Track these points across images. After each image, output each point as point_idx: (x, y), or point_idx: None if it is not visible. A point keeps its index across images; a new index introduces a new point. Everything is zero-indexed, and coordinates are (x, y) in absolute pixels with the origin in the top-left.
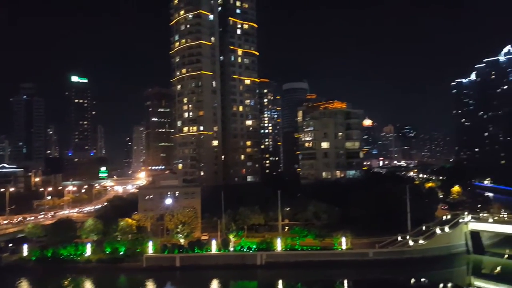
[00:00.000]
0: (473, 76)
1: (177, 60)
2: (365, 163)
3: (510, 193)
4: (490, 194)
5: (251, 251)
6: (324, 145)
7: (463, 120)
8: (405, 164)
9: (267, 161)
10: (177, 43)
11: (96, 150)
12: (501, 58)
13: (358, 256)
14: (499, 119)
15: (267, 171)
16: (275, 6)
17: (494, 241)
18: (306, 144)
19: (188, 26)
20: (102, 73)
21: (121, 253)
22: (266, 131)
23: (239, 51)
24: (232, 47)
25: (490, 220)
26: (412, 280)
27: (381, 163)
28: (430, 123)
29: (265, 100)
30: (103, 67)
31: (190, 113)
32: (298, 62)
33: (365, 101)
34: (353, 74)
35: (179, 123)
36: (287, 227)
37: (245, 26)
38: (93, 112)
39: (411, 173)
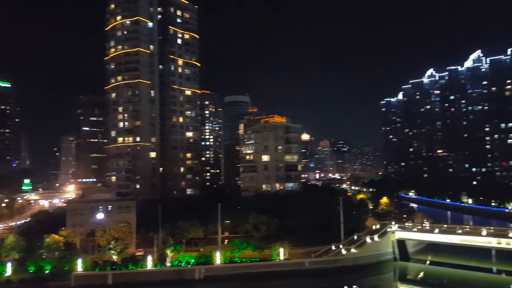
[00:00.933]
0: (400, 96)
1: (113, 67)
2: (303, 175)
3: (431, 204)
4: (414, 205)
5: (189, 266)
6: (265, 158)
7: (391, 136)
8: (339, 177)
9: (208, 174)
10: (113, 49)
11: (19, 161)
12: (425, 80)
13: (295, 266)
14: (422, 136)
15: (208, 183)
16: (219, 20)
17: (417, 249)
18: (247, 157)
19: (125, 32)
20: (29, 79)
21: (47, 272)
22: (207, 143)
23: (180, 61)
24: (172, 56)
25: (414, 229)
26: (345, 287)
27: (317, 176)
28: (362, 139)
29: (207, 112)
30: (31, 72)
31: (126, 123)
32: (240, 75)
33: (303, 116)
34: (293, 89)
35: (113, 133)
36: (226, 240)
37: (186, 36)
38: (17, 120)
39: (345, 185)
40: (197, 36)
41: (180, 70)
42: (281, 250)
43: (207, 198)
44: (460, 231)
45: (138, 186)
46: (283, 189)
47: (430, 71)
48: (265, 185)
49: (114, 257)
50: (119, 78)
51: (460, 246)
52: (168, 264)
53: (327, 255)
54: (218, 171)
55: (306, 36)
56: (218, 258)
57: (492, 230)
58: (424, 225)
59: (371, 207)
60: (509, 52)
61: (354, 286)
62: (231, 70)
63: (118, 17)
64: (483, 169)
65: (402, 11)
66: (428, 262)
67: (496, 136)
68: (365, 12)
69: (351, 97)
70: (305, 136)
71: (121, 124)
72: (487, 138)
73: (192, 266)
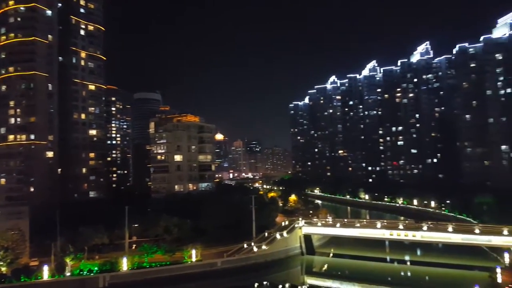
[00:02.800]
0: (307, 100)
1: (4, 56)
2: (217, 175)
3: (334, 200)
4: (319, 201)
5: (92, 274)
6: (177, 158)
7: (298, 137)
8: (252, 176)
9: (114, 175)
10: (4, 37)
11: None
12: (328, 86)
13: (207, 267)
14: (326, 137)
15: (114, 185)
16: (132, 16)
17: (322, 243)
18: (159, 157)
19: (19, 19)
20: None
21: None
22: (114, 142)
23: (83, 54)
24: (74, 48)
25: (319, 224)
26: (256, 284)
27: (231, 176)
28: (274, 139)
29: (113, 109)
30: None
31: (18, 119)
32: (151, 73)
33: (217, 117)
34: (207, 89)
35: (2, 130)
36: (134, 245)
37: (90, 28)
38: None
39: (257, 184)
40: (103, 28)
41: (83, 63)
42: (193, 252)
43: (113, 201)
44: (358, 225)
45: (32, 189)
46: (196, 189)
47: (333, 78)
48: (177, 186)
49: (3, 269)
50: (11, 69)
51: (359, 238)
52: (68, 274)
53: (239, 254)
54: (126, 172)
55: (220, 35)
56: (124, 264)
57: (385, 223)
58: (327, 220)
59: (281, 204)
60: (399, 64)
61: (264, 282)
62: (141, 67)
63: (11, 2)
64: (377, 168)
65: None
66: (331, 254)
67: (388, 138)
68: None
69: (264, 99)
70: (219, 136)
71: (12, 120)
72: (381, 140)
73: (96, 274)
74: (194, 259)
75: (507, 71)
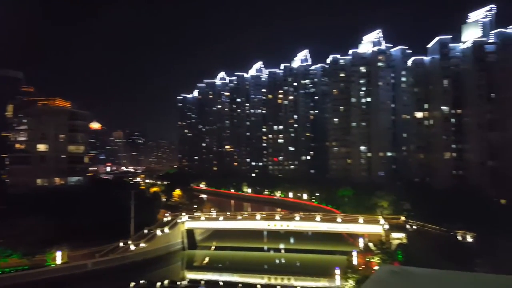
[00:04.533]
0: (195, 93)
1: None
2: (91, 168)
3: (219, 194)
4: (205, 196)
5: None
6: (42, 147)
7: (186, 131)
8: (133, 170)
9: None
10: None
11: None
12: (217, 81)
13: (75, 269)
14: (214, 132)
15: None
16: None
17: (205, 236)
18: (18, 146)
19: None
20: None
21: None
22: None
23: None
24: None
25: (202, 218)
26: (132, 284)
27: (108, 169)
28: (159, 132)
29: None
30: None
31: None
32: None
33: (95, 104)
34: (81, 72)
35: None
36: None
37: None
38: None
39: (139, 179)
40: None
41: None
42: (58, 254)
43: None
44: (240, 217)
45: None
46: (65, 184)
47: (222, 74)
48: (41, 180)
49: None
50: None
51: (241, 230)
52: None
53: (114, 253)
54: None
55: (103, 19)
56: None
57: (264, 215)
58: (211, 214)
59: (164, 199)
60: (281, 67)
61: (141, 281)
62: None
63: None
64: (260, 163)
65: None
66: (213, 248)
67: (270, 136)
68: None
69: (150, 90)
70: (95, 125)
71: None
72: (264, 137)
73: None
74: (59, 261)
75: (368, 83)
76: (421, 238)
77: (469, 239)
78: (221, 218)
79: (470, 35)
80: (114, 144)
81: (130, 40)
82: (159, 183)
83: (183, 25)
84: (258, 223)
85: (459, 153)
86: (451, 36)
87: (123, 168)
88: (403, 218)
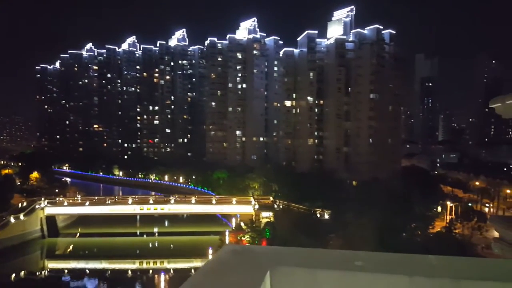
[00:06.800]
0: (57, 64)
1: None
2: None
3: (86, 177)
4: (69, 179)
5: None
6: None
7: (46, 106)
8: None
9: None
10: None
11: None
12: (84, 53)
13: None
14: (80, 109)
15: None
16: None
17: (68, 223)
18: None
19: None
20: None
21: None
22: None
23: None
24: None
25: (65, 203)
26: None
27: None
28: (12, 106)
29: None
30: None
31: None
32: None
33: None
34: None
35: None
36: None
37: None
38: None
39: None
40: None
41: None
42: None
43: None
44: (109, 202)
45: None
46: None
47: (90, 45)
48: None
49: None
50: None
51: (110, 216)
52: None
53: None
54: None
55: None
56: None
57: (137, 199)
58: (76, 198)
59: (19, 183)
60: (158, 44)
61: None
62: None
63: None
64: (133, 145)
65: None
66: (78, 235)
67: (145, 116)
68: None
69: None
70: None
71: None
72: (138, 117)
73: None
74: None
75: (244, 69)
76: (286, 216)
77: (326, 216)
78: (87, 203)
79: (334, 32)
80: None
81: None
82: (13, 164)
83: None
84: (130, 207)
85: (320, 139)
86: (317, 32)
87: None
88: (271, 198)
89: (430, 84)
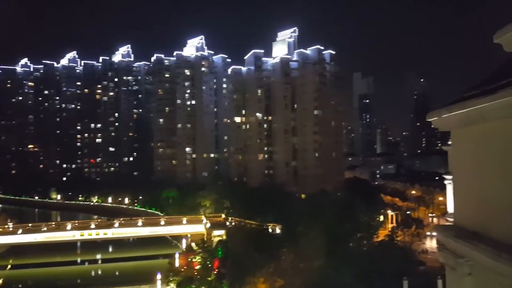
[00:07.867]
0: None
1: None
2: None
3: (19, 202)
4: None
5: None
6: None
7: None
8: None
9: None
10: None
11: None
12: (18, 69)
13: None
14: (13, 128)
15: None
16: None
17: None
18: None
19: None
20: None
21: None
22: None
23: None
24: None
25: None
26: None
27: None
28: None
29: None
30: None
31: None
32: None
33: None
34: None
35: None
36: None
37: None
38: None
39: None
40: None
41: None
42: None
43: None
44: (45, 228)
45: None
46: None
47: (25, 61)
48: None
49: None
50: None
51: (47, 244)
52: None
53: None
54: None
55: None
56: None
57: (77, 224)
58: (6, 226)
59: None
60: (100, 60)
61: None
62: None
63: None
64: (73, 165)
65: None
66: (9, 266)
67: (86, 135)
68: None
69: None
70: None
71: None
72: (79, 136)
73: None
74: None
75: (193, 86)
76: (239, 234)
77: (277, 230)
78: (19, 231)
79: (279, 51)
80: None
81: None
82: None
83: None
84: (69, 233)
85: (270, 154)
86: (263, 51)
87: None
88: (223, 215)
89: (367, 100)
